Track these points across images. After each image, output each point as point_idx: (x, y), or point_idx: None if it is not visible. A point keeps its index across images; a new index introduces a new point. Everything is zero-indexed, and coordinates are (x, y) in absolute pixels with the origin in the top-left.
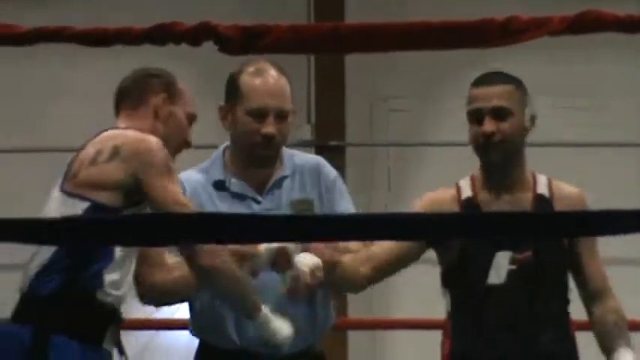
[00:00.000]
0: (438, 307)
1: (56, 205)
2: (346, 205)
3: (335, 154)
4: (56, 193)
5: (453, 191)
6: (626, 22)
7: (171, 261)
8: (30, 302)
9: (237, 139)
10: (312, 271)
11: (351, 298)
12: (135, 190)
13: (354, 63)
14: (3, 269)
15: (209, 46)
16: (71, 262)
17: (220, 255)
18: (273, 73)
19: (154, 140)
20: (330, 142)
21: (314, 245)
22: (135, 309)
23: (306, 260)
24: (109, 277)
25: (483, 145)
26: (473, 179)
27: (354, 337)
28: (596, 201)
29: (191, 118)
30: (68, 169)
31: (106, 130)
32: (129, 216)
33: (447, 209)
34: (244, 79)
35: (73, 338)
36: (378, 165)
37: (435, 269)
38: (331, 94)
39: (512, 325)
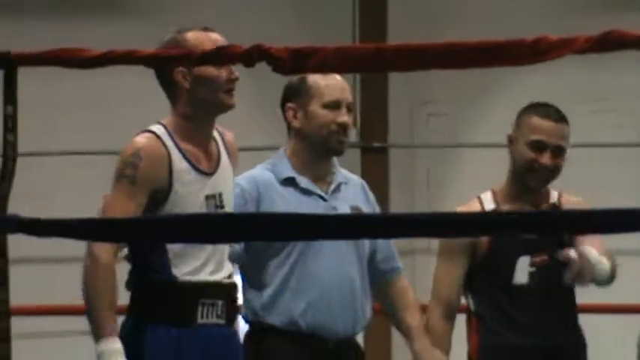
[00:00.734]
0: None
1: None
2: None
3: (379, 156)
4: None
5: (477, 204)
6: None
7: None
8: (130, 296)
9: (313, 132)
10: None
11: None
12: None
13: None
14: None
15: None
16: (134, 255)
17: (100, 258)
18: (335, 74)
19: (129, 144)
20: (374, 144)
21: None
22: None
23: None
24: (177, 256)
25: (536, 173)
26: (494, 192)
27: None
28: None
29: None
30: None
31: None
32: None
33: None
34: (313, 78)
35: (165, 323)
36: (418, 165)
37: None
38: (375, 100)
39: (535, 320)
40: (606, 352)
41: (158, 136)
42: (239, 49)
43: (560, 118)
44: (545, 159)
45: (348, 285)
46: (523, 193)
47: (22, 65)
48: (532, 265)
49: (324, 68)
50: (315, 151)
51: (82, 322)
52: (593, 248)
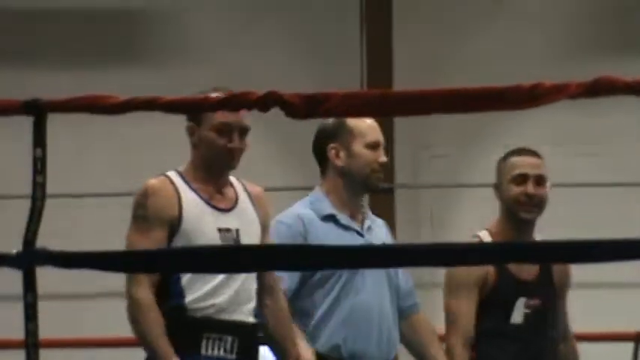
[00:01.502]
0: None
1: None
2: None
3: (386, 196)
4: None
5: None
6: (635, 87)
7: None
8: None
9: (356, 171)
10: None
11: None
12: None
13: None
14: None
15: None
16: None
17: (142, 290)
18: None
19: (144, 186)
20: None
21: None
22: None
23: None
24: (199, 289)
25: (525, 204)
26: (490, 231)
27: None
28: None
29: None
30: None
31: None
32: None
33: None
34: (353, 121)
35: (174, 349)
36: (422, 204)
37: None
38: None
39: (530, 356)
40: None
41: (168, 177)
42: (254, 96)
43: (534, 153)
44: (530, 188)
45: (384, 315)
46: (517, 230)
47: (51, 112)
48: (527, 307)
49: (335, 113)
50: (355, 188)
51: (108, 354)
52: None
